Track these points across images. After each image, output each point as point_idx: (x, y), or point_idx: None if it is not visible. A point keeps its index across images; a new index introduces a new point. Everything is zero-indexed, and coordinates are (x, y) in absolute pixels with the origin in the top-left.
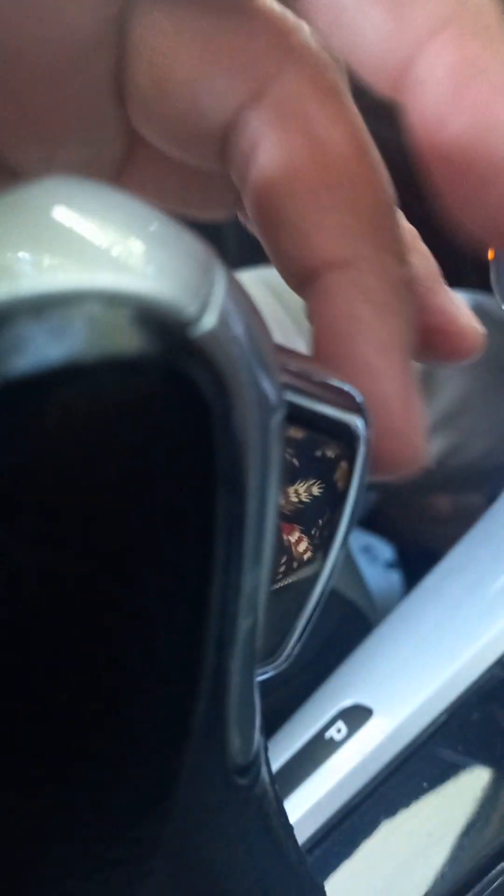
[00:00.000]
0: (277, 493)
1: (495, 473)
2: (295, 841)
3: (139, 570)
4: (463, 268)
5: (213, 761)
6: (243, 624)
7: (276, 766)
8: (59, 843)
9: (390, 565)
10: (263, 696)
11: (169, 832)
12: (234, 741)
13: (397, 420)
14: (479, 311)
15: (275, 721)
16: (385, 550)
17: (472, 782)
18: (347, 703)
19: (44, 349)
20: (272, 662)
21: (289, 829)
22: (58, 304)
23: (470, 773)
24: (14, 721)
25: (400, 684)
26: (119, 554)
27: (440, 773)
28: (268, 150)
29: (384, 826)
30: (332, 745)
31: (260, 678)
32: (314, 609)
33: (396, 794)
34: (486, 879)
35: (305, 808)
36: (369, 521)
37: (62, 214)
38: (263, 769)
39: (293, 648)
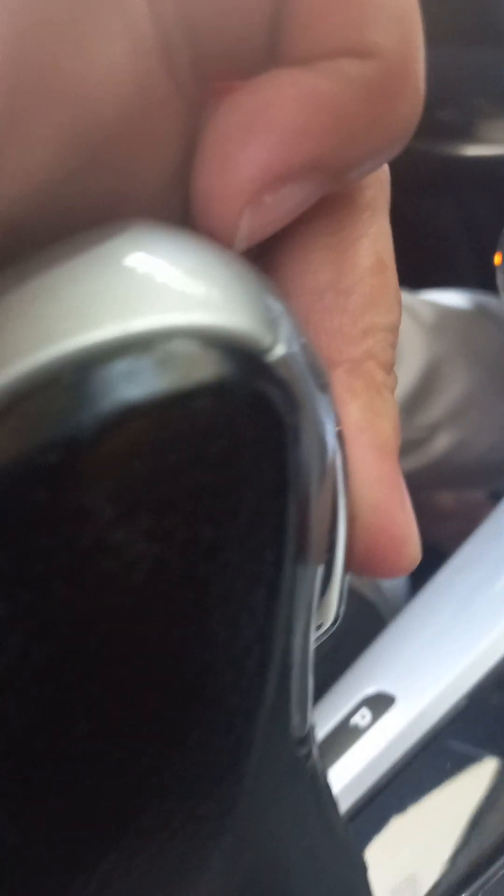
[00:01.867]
0: (331, 490)
1: (497, 470)
2: (338, 811)
3: (230, 557)
4: (465, 268)
5: (278, 732)
6: (304, 602)
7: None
8: (158, 797)
9: None
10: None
11: (241, 794)
12: (295, 714)
13: (392, 521)
14: (482, 312)
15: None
16: None
17: (488, 768)
18: (371, 690)
19: (152, 379)
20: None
21: (333, 800)
22: (161, 341)
23: (485, 760)
24: (128, 691)
25: (420, 673)
26: (214, 544)
27: (459, 757)
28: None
29: (410, 808)
30: (358, 732)
31: (314, 645)
32: (343, 587)
33: (419, 778)
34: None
35: (336, 789)
36: None
37: (154, 263)
38: (314, 744)
39: (338, 613)
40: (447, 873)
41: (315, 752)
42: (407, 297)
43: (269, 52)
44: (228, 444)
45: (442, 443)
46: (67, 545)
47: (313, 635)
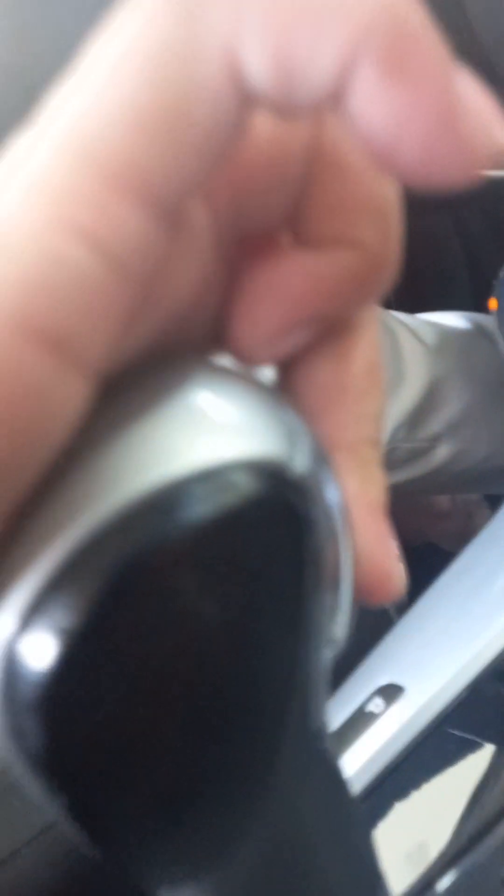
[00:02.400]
0: (336, 545)
1: (492, 476)
2: (349, 792)
3: (267, 609)
4: (462, 286)
5: (301, 728)
6: (321, 630)
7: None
8: (217, 781)
9: None
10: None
11: (275, 777)
12: (313, 714)
13: (383, 564)
14: (480, 332)
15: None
16: None
17: (485, 753)
18: (383, 681)
19: (216, 499)
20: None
21: (345, 781)
22: (219, 473)
23: (484, 746)
24: (198, 702)
25: (427, 666)
26: (256, 602)
27: (460, 742)
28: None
29: (420, 784)
30: (372, 718)
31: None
32: (350, 603)
33: (426, 758)
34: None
35: (353, 769)
36: None
37: (211, 408)
38: (327, 737)
39: (340, 640)
40: (453, 840)
41: (327, 742)
42: (410, 320)
43: (285, 227)
44: (266, 537)
45: (442, 453)
46: (166, 610)
47: (327, 651)
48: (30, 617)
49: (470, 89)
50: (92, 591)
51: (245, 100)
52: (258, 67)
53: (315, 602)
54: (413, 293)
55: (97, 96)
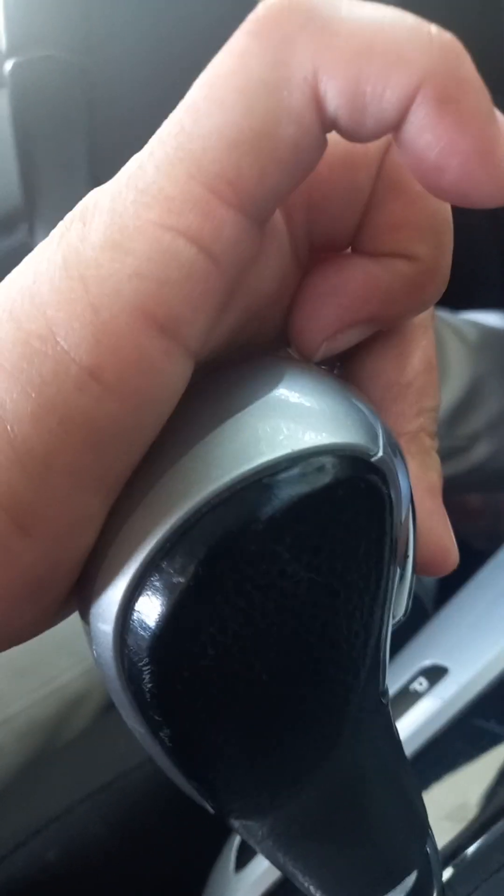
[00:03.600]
0: (407, 524)
1: None
2: (402, 749)
3: (352, 577)
4: (496, 290)
5: (373, 684)
6: (390, 598)
7: None
8: (306, 721)
9: None
10: None
11: (349, 722)
12: (381, 672)
13: (441, 540)
14: None
15: None
16: None
17: None
18: (427, 663)
19: (313, 480)
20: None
21: (399, 740)
22: (314, 456)
23: None
24: (292, 657)
25: (469, 648)
26: (344, 570)
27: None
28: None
29: (459, 758)
30: (416, 696)
31: (393, 628)
32: (411, 585)
33: (467, 735)
34: None
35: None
36: None
37: (303, 402)
38: (389, 697)
39: (408, 606)
40: (490, 802)
41: (389, 702)
42: (452, 318)
43: (351, 240)
44: (354, 512)
45: (481, 451)
46: (266, 571)
47: (392, 620)
48: (146, 575)
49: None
50: (200, 555)
51: (324, 124)
52: (335, 100)
53: (392, 571)
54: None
55: (202, 122)
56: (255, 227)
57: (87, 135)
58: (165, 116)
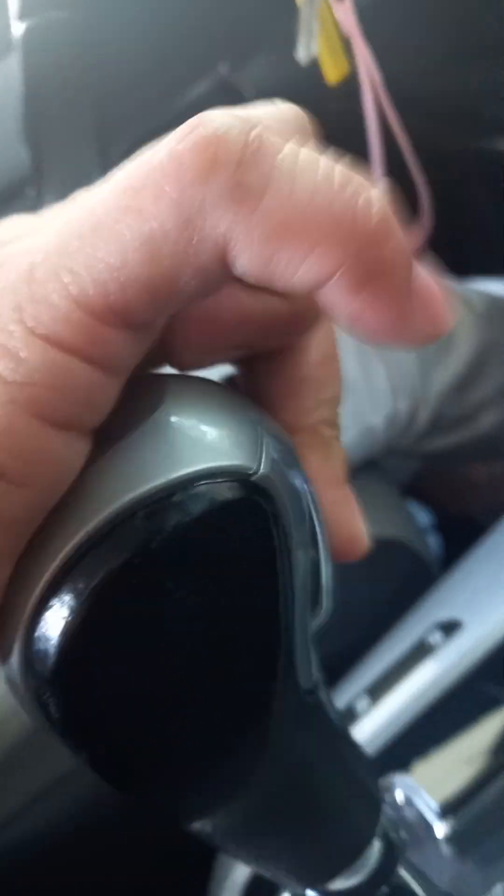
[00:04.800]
0: (303, 539)
1: None
2: (346, 733)
3: (245, 592)
4: (496, 257)
5: (290, 686)
6: (300, 606)
7: (392, 659)
8: (223, 730)
9: (430, 529)
10: (375, 616)
11: (273, 724)
12: (301, 675)
13: (350, 527)
14: None
15: (379, 630)
16: (424, 516)
17: None
18: (443, 617)
19: (194, 505)
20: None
21: (341, 726)
22: (194, 482)
23: None
24: (196, 670)
25: (483, 603)
26: (234, 586)
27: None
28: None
29: (474, 705)
30: (432, 648)
31: (314, 629)
32: (327, 583)
33: (482, 684)
34: None
35: (414, 690)
36: (410, 489)
37: (187, 426)
38: (322, 692)
39: (325, 609)
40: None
41: (323, 696)
42: (459, 287)
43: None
44: (236, 532)
45: (489, 419)
46: (152, 600)
47: (314, 620)
48: (38, 612)
49: (426, 283)
50: (84, 590)
51: (228, 277)
52: (243, 267)
53: (287, 580)
54: (458, 261)
55: (99, 250)
56: (146, 334)
57: (96, 100)
58: (170, 84)
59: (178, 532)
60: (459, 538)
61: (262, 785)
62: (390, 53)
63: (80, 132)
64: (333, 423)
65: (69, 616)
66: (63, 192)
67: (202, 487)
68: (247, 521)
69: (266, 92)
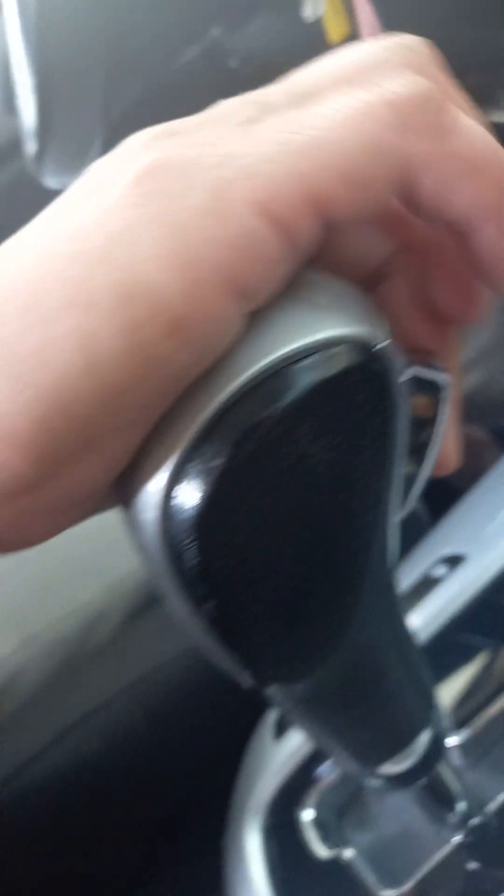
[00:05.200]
0: (408, 414)
1: None
2: (408, 626)
3: (365, 455)
4: None
5: (381, 561)
6: (397, 484)
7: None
8: (329, 593)
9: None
10: None
11: (363, 593)
12: (390, 551)
13: (451, 446)
14: None
15: None
16: None
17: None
18: (446, 551)
19: (327, 366)
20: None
21: (403, 618)
22: (329, 346)
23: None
24: (315, 526)
25: (485, 539)
26: (358, 447)
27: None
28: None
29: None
30: (436, 582)
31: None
32: (426, 474)
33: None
34: None
35: (421, 619)
36: None
37: (317, 296)
38: (395, 581)
39: (411, 503)
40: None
41: (395, 583)
42: None
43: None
44: (365, 396)
45: (471, 380)
46: (289, 453)
47: (401, 511)
48: (185, 462)
49: None
50: (232, 441)
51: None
52: (429, 188)
53: (398, 451)
54: None
55: (343, 153)
56: (325, 233)
57: (102, 58)
58: (167, 46)
59: (316, 389)
60: (438, 504)
61: (345, 652)
62: (392, 13)
63: (86, 90)
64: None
65: (217, 463)
66: (65, 148)
67: (339, 349)
68: (373, 385)
69: (262, 53)
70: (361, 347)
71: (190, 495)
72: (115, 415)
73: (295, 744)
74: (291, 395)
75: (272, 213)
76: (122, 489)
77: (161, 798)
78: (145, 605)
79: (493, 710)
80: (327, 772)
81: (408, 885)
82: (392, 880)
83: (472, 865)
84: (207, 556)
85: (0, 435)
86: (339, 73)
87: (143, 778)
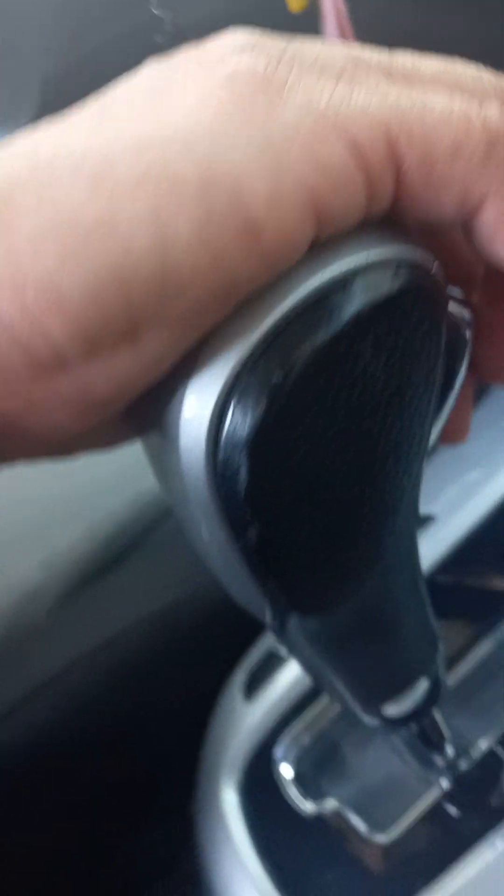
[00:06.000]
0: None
1: None
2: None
3: (416, 378)
4: None
5: (414, 498)
6: (430, 420)
7: None
8: (367, 525)
9: None
10: None
11: (394, 532)
12: (419, 491)
13: (463, 416)
14: None
15: None
16: None
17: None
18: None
19: (393, 282)
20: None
21: (420, 566)
22: (386, 265)
23: None
24: (368, 449)
25: (454, 498)
26: (411, 370)
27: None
28: None
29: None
30: None
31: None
32: (445, 416)
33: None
34: None
35: None
36: None
37: (375, 228)
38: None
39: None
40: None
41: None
42: None
43: None
44: (420, 317)
45: None
46: (350, 370)
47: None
48: (241, 377)
49: None
50: (294, 355)
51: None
52: (490, 218)
53: (439, 383)
54: None
55: (442, 119)
56: (392, 193)
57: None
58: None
59: (378, 305)
60: None
61: (371, 584)
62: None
63: (21, 52)
64: None
65: (277, 378)
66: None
67: (399, 269)
68: (428, 307)
69: (217, 22)
70: (421, 269)
71: (245, 412)
72: (170, 305)
73: (269, 702)
74: (354, 310)
75: (363, 154)
76: (152, 410)
77: (125, 765)
78: (82, 580)
79: (470, 660)
80: (304, 727)
81: (398, 830)
82: (381, 826)
83: (454, 811)
84: (257, 479)
85: (45, 302)
86: (441, 71)
87: (105, 746)
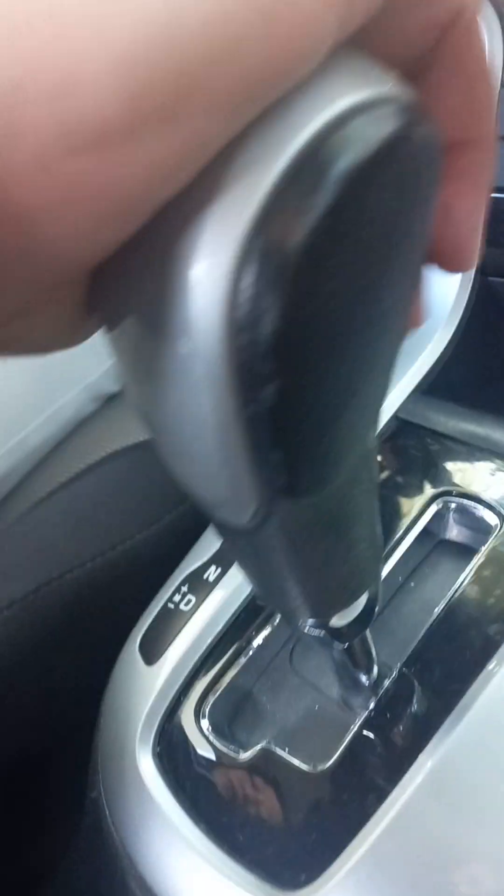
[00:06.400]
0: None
1: None
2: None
3: (418, 210)
4: None
5: (392, 362)
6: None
7: None
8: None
9: None
10: None
11: (379, 405)
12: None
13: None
14: None
15: None
16: None
17: None
18: None
19: (392, 119)
20: None
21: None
22: (393, 101)
23: None
24: (381, 289)
25: None
26: (419, 207)
27: None
28: None
29: None
30: None
31: None
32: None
33: None
34: None
35: None
36: None
37: (361, 71)
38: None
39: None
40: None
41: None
42: None
43: None
44: (429, 157)
45: None
46: (382, 198)
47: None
48: (276, 200)
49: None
50: (332, 176)
51: None
52: None
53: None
54: None
55: None
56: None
57: None
58: None
59: (400, 135)
60: None
61: (349, 471)
62: None
63: None
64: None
65: (314, 201)
66: None
67: (414, 105)
68: (434, 151)
69: None
70: (425, 114)
71: (280, 239)
72: (217, 74)
73: (172, 664)
74: (389, 131)
75: None
76: (136, 273)
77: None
78: None
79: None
80: (211, 682)
81: (331, 761)
82: (316, 759)
83: (378, 742)
84: (285, 323)
85: (98, 62)
86: None
87: None
